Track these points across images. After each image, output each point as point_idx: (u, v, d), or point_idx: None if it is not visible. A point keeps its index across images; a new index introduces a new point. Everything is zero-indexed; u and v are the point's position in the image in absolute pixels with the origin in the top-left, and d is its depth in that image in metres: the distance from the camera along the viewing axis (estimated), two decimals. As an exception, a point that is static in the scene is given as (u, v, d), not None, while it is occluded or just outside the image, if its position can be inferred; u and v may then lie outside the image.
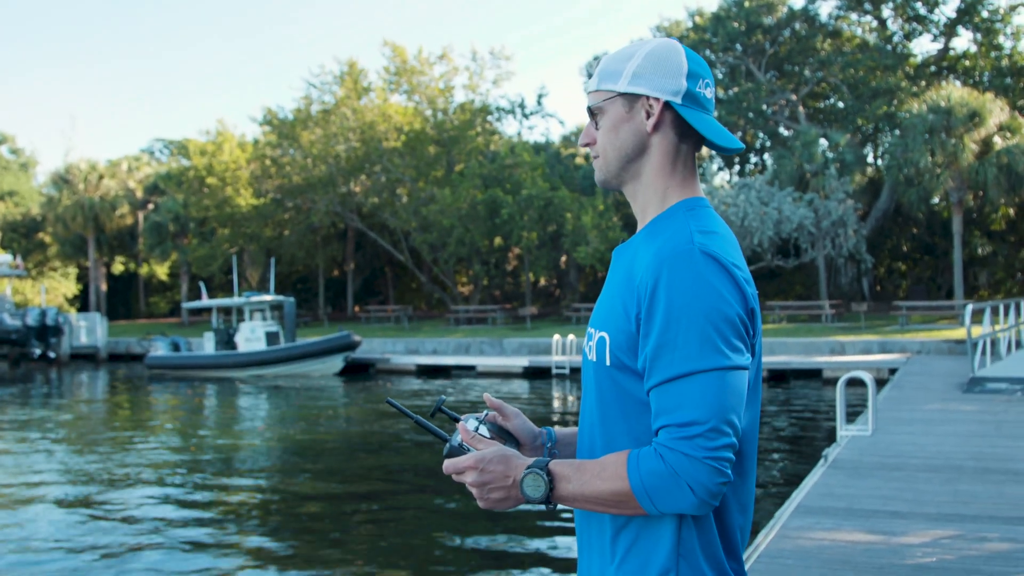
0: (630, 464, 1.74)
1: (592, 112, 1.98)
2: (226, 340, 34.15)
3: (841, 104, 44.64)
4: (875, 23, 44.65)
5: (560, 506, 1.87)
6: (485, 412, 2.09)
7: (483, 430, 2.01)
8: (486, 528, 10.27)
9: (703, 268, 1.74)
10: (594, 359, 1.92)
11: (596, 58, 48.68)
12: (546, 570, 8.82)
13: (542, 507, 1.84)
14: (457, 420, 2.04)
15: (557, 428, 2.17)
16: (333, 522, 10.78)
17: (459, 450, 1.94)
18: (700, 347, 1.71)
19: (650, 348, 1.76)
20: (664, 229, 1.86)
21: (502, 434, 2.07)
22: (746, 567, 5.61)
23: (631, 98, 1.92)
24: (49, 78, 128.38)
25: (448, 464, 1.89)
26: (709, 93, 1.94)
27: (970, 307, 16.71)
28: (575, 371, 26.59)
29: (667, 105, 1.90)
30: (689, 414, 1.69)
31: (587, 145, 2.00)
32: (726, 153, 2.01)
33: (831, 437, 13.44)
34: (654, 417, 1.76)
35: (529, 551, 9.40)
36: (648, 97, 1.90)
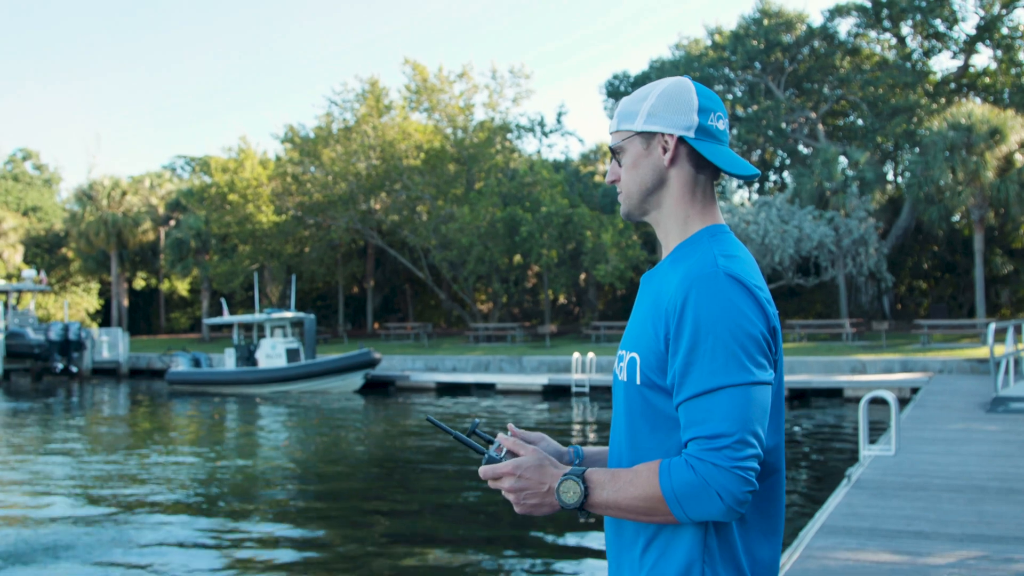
0: (662, 473, 1.84)
1: (614, 151, 2.10)
2: (246, 356, 34.28)
3: (861, 122, 44.58)
4: (894, 41, 44.61)
5: (592, 517, 1.95)
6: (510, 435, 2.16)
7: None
8: (511, 543, 10.29)
9: (727, 289, 1.85)
10: (625, 379, 2.02)
11: (616, 76, 48.82)
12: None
13: (578, 516, 1.94)
14: (491, 442, 2.12)
15: (586, 447, 2.25)
16: (353, 538, 10.82)
17: (495, 462, 2.02)
18: (726, 363, 1.82)
19: (678, 365, 1.87)
20: (689, 254, 1.98)
21: None
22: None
23: (648, 136, 2.05)
24: (73, 95, 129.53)
25: (487, 469, 1.99)
26: (721, 125, 2.06)
27: (993, 326, 16.59)
28: (595, 389, 26.58)
29: (681, 140, 2.03)
30: (717, 427, 1.80)
31: (613, 182, 2.13)
32: (742, 180, 2.13)
33: (853, 457, 13.41)
34: (683, 430, 1.86)
35: (556, 566, 9.42)
36: (663, 134, 2.03)
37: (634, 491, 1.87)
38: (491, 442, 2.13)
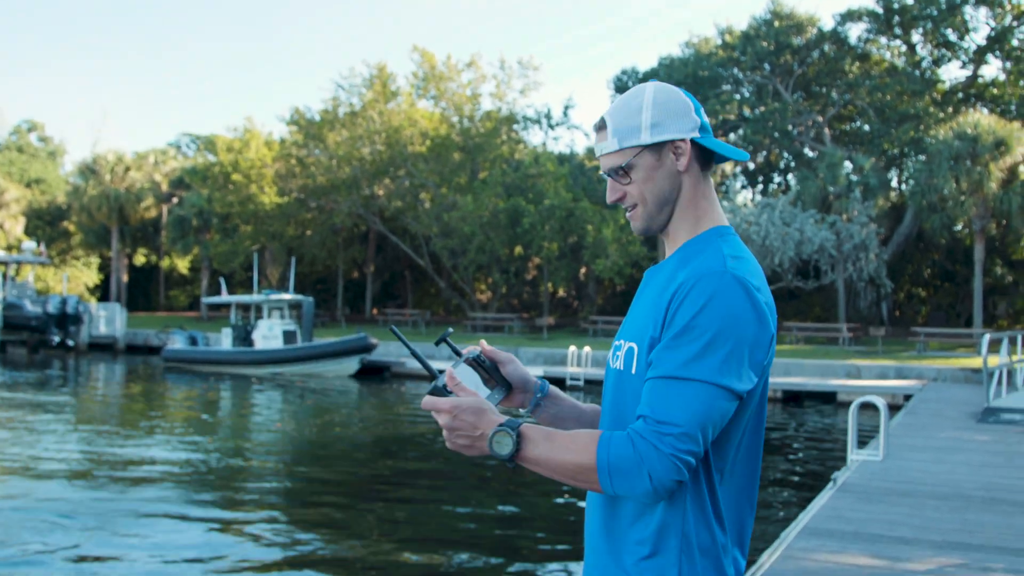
0: (601, 442, 1.87)
1: (624, 170, 2.05)
2: (243, 337, 34.29)
3: (867, 127, 44.53)
4: (904, 48, 44.53)
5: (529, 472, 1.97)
6: (479, 352, 2.22)
7: (462, 368, 2.14)
8: (497, 524, 10.32)
9: (731, 290, 1.87)
10: (620, 367, 2.05)
11: (624, 71, 48.62)
12: (555, 565, 8.88)
13: (507, 465, 1.95)
14: (459, 353, 2.18)
15: (553, 387, 2.30)
16: (342, 519, 10.84)
17: (443, 391, 2.04)
18: (709, 359, 1.84)
19: (661, 345, 1.90)
20: (699, 252, 1.99)
21: (496, 373, 2.22)
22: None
23: (657, 147, 2.03)
24: (80, 68, 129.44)
25: (427, 401, 2.00)
26: (705, 116, 2.08)
27: (987, 336, 16.61)
28: (590, 383, 26.59)
29: (691, 141, 2.03)
30: (671, 415, 1.83)
31: (618, 200, 2.10)
32: (736, 160, 2.13)
33: (842, 460, 13.42)
34: (641, 405, 1.89)
35: (540, 547, 9.45)
36: (674, 140, 2.03)
37: (567, 455, 1.89)
38: (459, 353, 2.17)
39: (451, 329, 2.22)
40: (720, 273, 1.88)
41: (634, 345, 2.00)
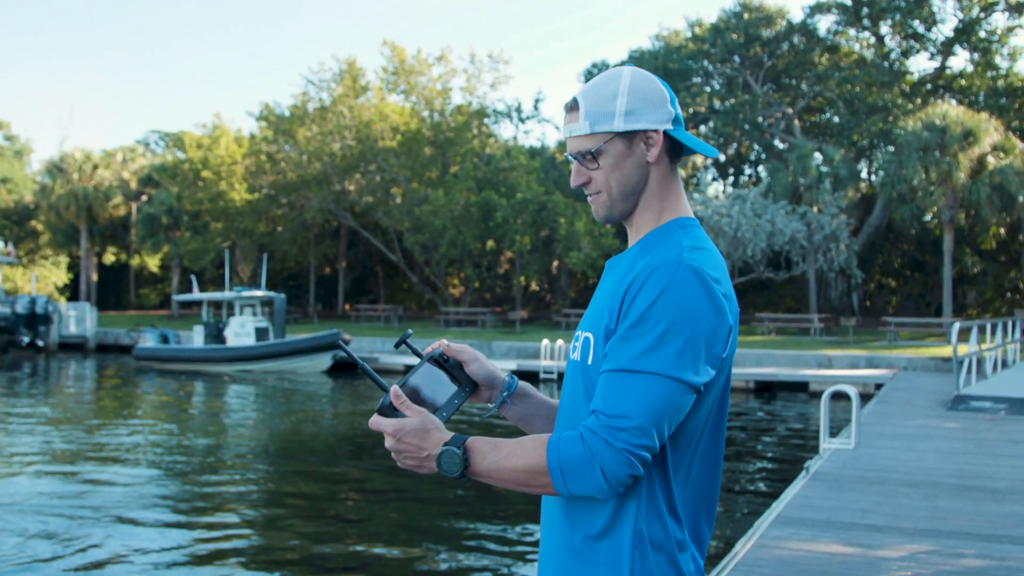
0: (550, 444, 1.84)
1: (593, 155, 2.02)
2: (215, 334, 34.08)
3: (837, 119, 44.78)
4: (873, 39, 44.82)
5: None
6: (441, 351, 2.17)
7: (426, 368, 2.10)
8: (467, 524, 10.31)
9: (687, 281, 1.83)
10: (577, 358, 2.01)
11: (595, 65, 48.69)
12: (530, 567, 8.89)
13: (461, 480, 1.91)
14: (419, 355, 2.14)
15: (524, 383, 2.25)
16: (315, 516, 10.80)
17: (390, 410, 1.99)
18: (660, 351, 1.80)
19: (615, 338, 1.86)
20: (659, 243, 1.96)
21: (459, 372, 2.17)
22: (723, 575, 5.67)
23: (628, 134, 1.99)
24: (47, 66, 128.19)
25: (374, 421, 1.96)
26: (679, 108, 2.04)
27: (957, 325, 16.75)
28: (563, 376, 26.60)
29: (663, 133, 2.00)
30: (624, 408, 1.79)
31: (582, 184, 2.06)
32: (706, 155, 2.10)
33: (815, 450, 13.50)
34: (595, 399, 1.85)
35: (507, 548, 9.45)
36: (646, 131, 1.99)
37: (517, 461, 1.86)
38: (420, 355, 2.14)
39: (411, 331, 2.18)
40: (676, 263, 1.85)
41: (590, 335, 1.96)
